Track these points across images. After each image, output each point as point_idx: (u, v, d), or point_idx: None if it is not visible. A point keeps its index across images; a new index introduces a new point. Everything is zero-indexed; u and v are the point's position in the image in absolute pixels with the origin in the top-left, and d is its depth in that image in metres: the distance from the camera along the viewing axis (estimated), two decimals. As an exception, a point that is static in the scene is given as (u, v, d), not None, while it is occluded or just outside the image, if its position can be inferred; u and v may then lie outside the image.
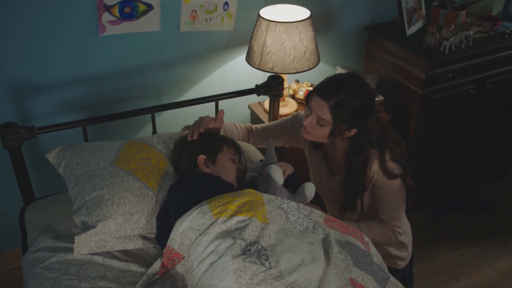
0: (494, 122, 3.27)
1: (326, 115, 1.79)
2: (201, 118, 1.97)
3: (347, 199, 1.99)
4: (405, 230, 2.10)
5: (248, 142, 2.26)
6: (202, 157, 1.88)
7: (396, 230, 2.00)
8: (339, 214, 2.05)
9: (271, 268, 1.51)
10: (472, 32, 2.88)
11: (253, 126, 2.25)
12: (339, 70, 2.97)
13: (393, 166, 1.90)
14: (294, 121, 2.15)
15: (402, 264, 2.19)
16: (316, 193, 1.89)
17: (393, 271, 2.11)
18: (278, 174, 1.83)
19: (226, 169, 1.90)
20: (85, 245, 1.76)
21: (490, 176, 3.56)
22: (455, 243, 3.08)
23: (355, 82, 1.83)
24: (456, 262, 2.95)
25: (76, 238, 1.75)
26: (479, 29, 3.01)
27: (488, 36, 3.00)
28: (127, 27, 2.43)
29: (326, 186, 2.10)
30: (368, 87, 1.85)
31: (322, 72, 3.05)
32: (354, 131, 1.84)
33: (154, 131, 2.36)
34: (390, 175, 1.90)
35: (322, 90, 1.81)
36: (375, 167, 1.89)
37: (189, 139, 1.92)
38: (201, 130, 1.93)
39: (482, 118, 3.18)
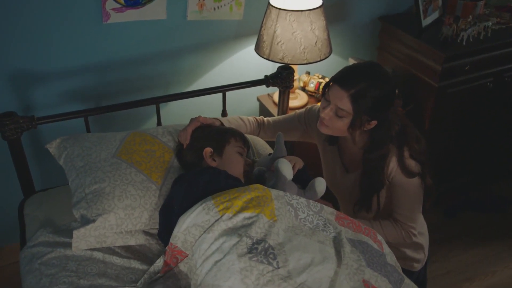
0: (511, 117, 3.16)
1: (346, 105, 1.71)
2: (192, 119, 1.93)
3: (363, 196, 1.91)
4: (421, 231, 2.03)
5: (258, 135, 2.18)
6: (208, 150, 1.82)
7: (410, 231, 1.92)
8: (353, 212, 1.97)
9: (279, 268, 1.44)
10: (490, 23, 2.79)
11: (265, 118, 2.17)
12: (352, 62, 2.88)
13: (412, 164, 1.81)
14: (307, 114, 2.06)
15: (418, 267, 2.11)
16: (327, 190, 1.81)
17: (408, 273, 2.03)
18: (287, 168, 1.76)
19: (233, 163, 1.84)
20: (84, 240, 1.70)
21: (507, 173, 3.46)
22: (469, 242, 3.00)
23: (376, 71, 1.74)
24: (470, 263, 2.88)
25: (75, 233, 1.69)
26: (498, 20, 2.91)
27: (508, 27, 2.91)
28: (132, 14, 2.35)
29: (341, 184, 2.01)
30: (389, 77, 1.76)
31: (334, 64, 2.97)
32: (374, 123, 1.76)
33: (159, 123, 2.29)
34: (408, 173, 1.81)
35: (341, 79, 1.73)
36: (393, 164, 1.81)
37: (182, 141, 1.88)
38: (193, 128, 1.87)
39: (499, 113, 3.08)
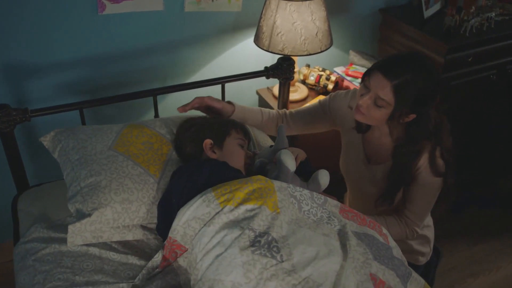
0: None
1: (388, 95, 1.62)
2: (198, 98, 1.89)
3: (389, 189, 1.84)
4: (428, 223, 1.99)
5: (276, 132, 2.07)
6: (208, 142, 1.77)
7: (415, 229, 1.88)
8: (374, 207, 1.91)
9: (283, 261, 1.39)
10: (494, 14, 2.74)
11: (287, 110, 2.08)
12: (352, 55, 2.83)
13: (441, 163, 1.75)
14: (332, 101, 1.97)
15: (423, 260, 2.06)
16: (330, 183, 1.76)
17: (413, 267, 1.98)
18: (290, 160, 1.71)
19: (234, 155, 1.79)
20: (79, 235, 1.65)
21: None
22: (475, 238, 2.96)
23: (423, 62, 1.66)
24: (475, 258, 2.84)
25: (70, 228, 1.63)
26: (501, 11, 2.86)
27: (511, 18, 2.87)
28: (128, 5, 2.30)
29: (359, 173, 1.95)
30: (435, 70, 1.68)
31: (334, 56, 2.92)
32: (412, 116, 1.68)
33: (157, 116, 2.23)
34: (437, 172, 1.75)
35: (385, 67, 1.64)
36: (423, 161, 1.75)
37: (179, 110, 1.86)
38: (195, 105, 1.84)
39: (503, 106, 3.03)
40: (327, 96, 2.00)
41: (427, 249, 2.04)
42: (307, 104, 2.08)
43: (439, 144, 1.74)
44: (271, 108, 2.62)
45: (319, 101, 2.02)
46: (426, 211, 1.87)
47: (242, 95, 2.78)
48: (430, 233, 2.03)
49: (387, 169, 1.85)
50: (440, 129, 1.74)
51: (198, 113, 1.98)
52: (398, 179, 1.81)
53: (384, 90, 1.62)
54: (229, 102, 1.96)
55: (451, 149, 1.77)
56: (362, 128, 1.88)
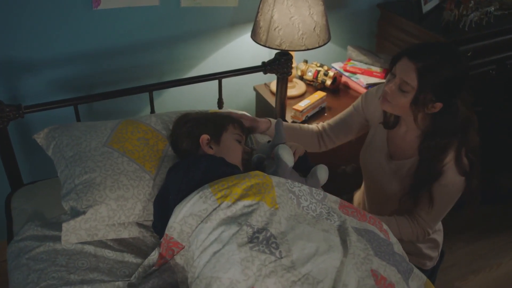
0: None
1: (412, 78, 1.61)
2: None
3: (413, 186, 1.80)
4: (440, 228, 1.98)
5: (319, 148, 2.06)
6: (205, 137, 1.74)
7: (428, 230, 1.84)
8: (398, 205, 1.87)
9: (281, 257, 1.37)
10: (493, 9, 2.72)
11: (323, 124, 2.06)
12: (350, 50, 2.80)
13: (466, 163, 1.72)
14: (365, 98, 1.96)
15: (429, 265, 2.03)
16: (328, 179, 1.72)
17: (422, 272, 1.95)
18: (288, 155, 1.68)
19: (231, 151, 1.76)
20: (74, 233, 1.61)
21: (511, 163, 3.37)
22: (475, 234, 2.94)
23: (451, 48, 1.67)
24: (475, 255, 2.82)
25: (64, 225, 1.60)
26: (500, 6, 2.83)
27: (510, 13, 2.84)
28: (123, 0, 2.27)
29: (381, 170, 1.91)
30: (464, 58, 1.67)
31: (332, 52, 2.90)
32: (438, 106, 1.65)
33: (153, 112, 2.20)
34: (462, 170, 1.71)
35: (412, 51, 1.65)
36: (449, 159, 1.71)
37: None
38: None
39: (502, 102, 3.00)
40: (360, 96, 1.99)
41: (435, 254, 2.02)
42: (340, 113, 2.06)
43: (466, 142, 1.70)
44: (269, 104, 2.59)
45: (353, 105, 2.01)
46: (442, 213, 1.83)
47: (240, 91, 2.75)
48: (439, 237, 2.00)
49: (412, 165, 1.81)
50: (468, 126, 1.71)
51: (195, 108, 1.95)
52: (424, 175, 1.76)
53: (409, 73, 1.61)
54: (267, 120, 1.96)
55: (477, 148, 1.73)
56: (389, 124, 1.86)
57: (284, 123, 1.98)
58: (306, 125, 2.06)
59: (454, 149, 1.71)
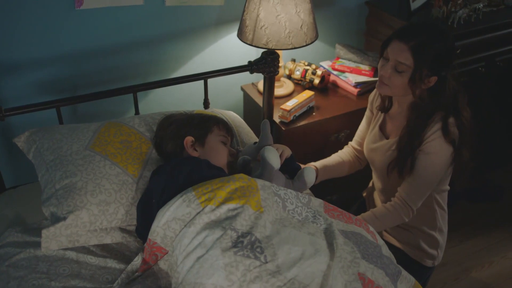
0: (505, 103, 3.08)
1: (407, 58, 1.70)
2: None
3: (399, 155, 1.84)
4: (442, 229, 2.01)
5: (361, 166, 2.17)
6: (189, 139, 1.72)
7: (410, 205, 1.84)
8: (386, 173, 1.91)
9: (266, 262, 1.34)
10: (481, 5, 2.70)
11: (350, 143, 2.17)
12: (338, 48, 2.77)
13: (455, 132, 1.76)
14: (374, 94, 2.04)
15: (429, 263, 2.02)
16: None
17: (421, 268, 1.99)
18: (274, 157, 1.65)
19: (216, 153, 1.74)
20: (54, 240, 1.58)
21: (501, 161, 3.38)
22: (466, 233, 2.91)
23: (435, 25, 1.79)
24: (467, 254, 2.79)
25: (44, 232, 1.56)
26: (489, 2, 2.81)
27: (499, 10, 2.82)
28: (106, 0, 2.21)
29: (378, 149, 1.96)
30: (448, 32, 1.77)
31: (320, 50, 2.86)
32: (433, 79, 1.72)
33: (137, 113, 2.16)
34: (449, 138, 1.75)
35: (401, 33, 1.73)
36: (436, 128, 1.76)
37: None
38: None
39: (492, 99, 2.98)
40: (368, 98, 2.08)
41: (435, 253, 2.01)
42: (360, 126, 2.15)
43: (456, 112, 1.76)
44: (256, 103, 2.56)
45: (366, 111, 2.09)
46: (425, 186, 1.83)
47: (227, 91, 2.71)
48: (441, 238, 2.01)
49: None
50: (457, 99, 1.78)
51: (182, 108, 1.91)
52: (407, 144, 1.81)
53: (403, 53, 1.69)
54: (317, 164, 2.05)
55: (469, 120, 1.79)
56: (385, 107, 1.94)
57: (326, 162, 2.06)
58: (340, 153, 2.16)
59: (440, 120, 1.75)
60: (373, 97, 2.05)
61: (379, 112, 1.99)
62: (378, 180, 2.05)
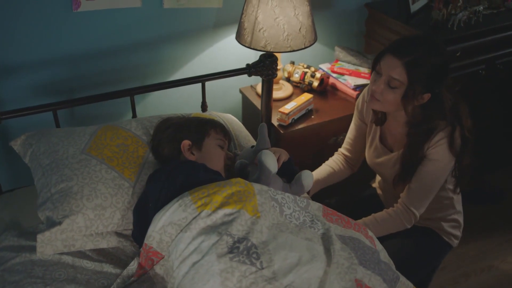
0: (505, 106, 3.06)
1: (400, 74, 1.65)
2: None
3: (403, 169, 1.83)
4: (459, 210, 2.03)
5: (352, 171, 2.16)
6: (186, 143, 1.70)
7: (413, 210, 1.83)
8: (392, 185, 1.90)
9: (262, 268, 1.33)
10: (481, 8, 2.68)
11: (340, 149, 2.15)
12: (338, 51, 2.76)
13: (458, 143, 1.74)
14: (362, 101, 1.99)
15: (455, 242, 2.06)
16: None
17: (447, 247, 2.03)
18: (271, 160, 1.64)
19: (214, 156, 1.73)
20: (49, 245, 1.57)
21: (501, 164, 3.36)
22: (465, 236, 2.83)
23: (430, 40, 1.70)
24: (466, 257, 2.76)
25: (39, 237, 1.55)
26: (489, 5, 2.80)
27: (499, 12, 2.81)
28: (104, 2, 2.21)
29: (383, 163, 1.94)
30: (443, 47, 1.71)
31: (319, 53, 2.85)
32: (427, 96, 1.69)
33: (135, 116, 2.15)
34: (454, 150, 1.74)
35: (395, 47, 1.68)
36: (438, 137, 1.73)
37: None
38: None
39: (491, 102, 2.97)
40: (355, 105, 2.04)
41: (458, 233, 2.05)
42: (348, 133, 2.13)
43: (460, 124, 1.74)
44: (255, 106, 2.54)
45: (354, 118, 2.06)
46: (427, 192, 1.82)
47: (225, 94, 2.70)
48: (461, 218, 2.04)
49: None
50: (458, 109, 1.75)
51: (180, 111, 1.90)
52: (410, 158, 1.79)
53: (396, 69, 1.65)
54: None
55: (471, 129, 1.77)
56: (379, 121, 1.90)
57: (318, 176, 2.05)
58: (331, 162, 2.14)
59: (444, 132, 1.73)
60: (361, 106, 2.00)
61: (373, 125, 1.95)
62: (387, 191, 2.07)
